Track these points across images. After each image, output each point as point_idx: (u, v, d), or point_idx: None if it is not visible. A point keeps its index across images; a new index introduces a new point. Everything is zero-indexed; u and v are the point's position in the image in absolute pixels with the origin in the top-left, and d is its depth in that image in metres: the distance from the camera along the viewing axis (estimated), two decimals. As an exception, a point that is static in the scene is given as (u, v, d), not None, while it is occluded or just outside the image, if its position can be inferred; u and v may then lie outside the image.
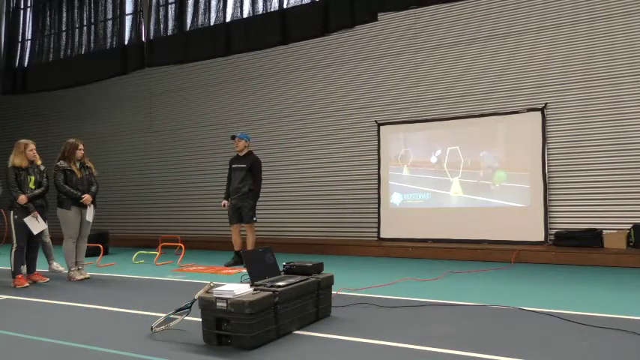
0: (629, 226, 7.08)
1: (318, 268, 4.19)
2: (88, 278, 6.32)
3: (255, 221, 7.43)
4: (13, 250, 5.91)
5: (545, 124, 7.77)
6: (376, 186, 8.95)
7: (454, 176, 8.38)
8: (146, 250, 8.80)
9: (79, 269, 6.35)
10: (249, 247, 7.23)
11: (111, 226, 10.89)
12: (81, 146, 6.35)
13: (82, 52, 12.43)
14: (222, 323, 3.32)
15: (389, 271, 6.49)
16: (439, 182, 8.47)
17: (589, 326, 3.62)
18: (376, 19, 9.16)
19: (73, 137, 6.57)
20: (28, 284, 5.90)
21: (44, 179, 6.16)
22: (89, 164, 6.50)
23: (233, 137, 7.57)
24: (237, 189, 7.27)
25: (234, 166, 7.39)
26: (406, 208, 8.70)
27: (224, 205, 7.44)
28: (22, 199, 5.84)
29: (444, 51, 8.62)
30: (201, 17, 10.87)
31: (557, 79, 7.78)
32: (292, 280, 3.79)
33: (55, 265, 7.00)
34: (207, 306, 3.36)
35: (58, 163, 6.26)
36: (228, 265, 7.23)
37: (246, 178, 7.26)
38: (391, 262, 7.45)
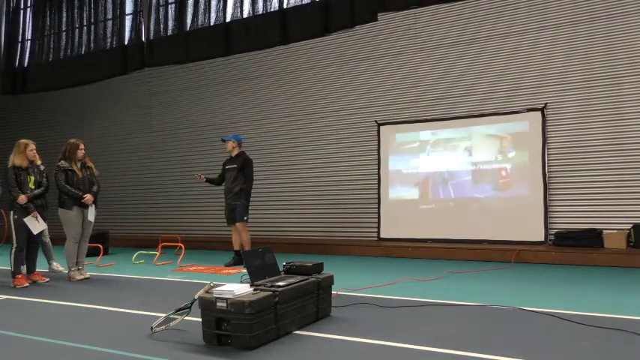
0: (629, 226, 7.08)
1: (318, 268, 4.19)
2: (87, 278, 6.32)
3: (246, 221, 7.36)
4: (13, 250, 5.91)
5: (545, 124, 7.77)
6: (376, 186, 8.95)
7: (454, 176, 8.38)
8: (146, 250, 8.79)
9: (79, 269, 6.35)
10: (246, 247, 7.24)
11: (111, 226, 10.89)
12: (82, 146, 6.35)
13: (82, 52, 12.43)
14: (222, 323, 3.32)
15: (389, 271, 6.49)
16: (439, 182, 8.47)
17: (589, 326, 3.62)
18: (376, 19, 9.16)
19: (73, 137, 6.58)
20: (28, 284, 5.90)
21: (44, 179, 6.15)
22: (90, 164, 6.50)
23: (223, 140, 7.64)
24: (230, 189, 7.33)
25: (227, 167, 7.47)
26: (406, 208, 8.70)
27: (200, 177, 7.58)
28: (22, 199, 5.84)
29: (444, 51, 8.62)
30: (201, 17, 10.87)
31: (557, 79, 7.78)
32: (292, 280, 3.79)
33: (55, 265, 7.00)
34: (207, 306, 3.36)
35: (59, 163, 6.25)
36: (228, 265, 7.24)
37: (238, 178, 7.30)
38: (391, 262, 7.45)
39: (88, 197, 6.24)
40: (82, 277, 6.29)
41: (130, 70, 11.70)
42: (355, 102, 9.30)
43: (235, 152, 7.49)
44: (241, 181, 7.30)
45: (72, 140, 6.39)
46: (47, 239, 6.98)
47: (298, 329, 3.68)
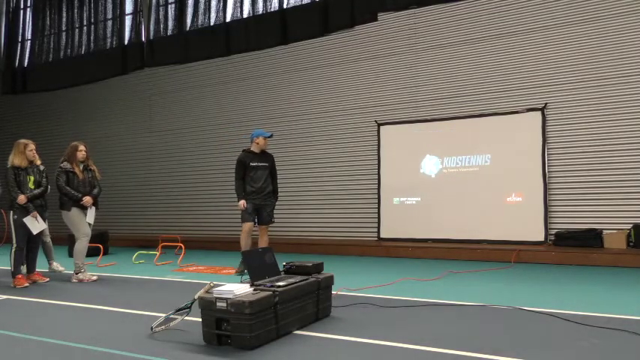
0: (629, 226, 7.08)
1: (318, 268, 4.19)
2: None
3: (274, 222, 6.99)
4: (13, 250, 5.91)
5: (545, 124, 7.77)
6: (376, 186, 8.95)
7: (454, 176, 8.38)
8: (146, 250, 8.80)
9: (82, 271, 6.30)
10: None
11: (111, 226, 10.89)
12: (81, 147, 6.33)
13: (82, 52, 12.44)
14: (222, 323, 3.31)
15: (389, 271, 6.49)
16: (439, 182, 8.47)
17: (589, 326, 3.62)
18: (376, 19, 9.16)
19: (76, 140, 6.65)
20: (28, 284, 5.90)
21: (43, 179, 6.15)
22: (93, 167, 6.49)
23: (271, 135, 7.00)
24: (263, 188, 6.70)
25: (254, 164, 6.68)
26: (406, 207, 8.70)
27: (244, 206, 6.60)
28: (22, 199, 5.84)
29: (444, 51, 8.62)
30: (201, 17, 10.87)
31: (557, 79, 7.78)
32: (292, 280, 3.79)
33: (55, 265, 6.99)
34: (207, 306, 3.36)
35: (61, 165, 6.25)
36: (242, 273, 6.37)
37: (269, 178, 6.81)
38: (391, 262, 7.45)
39: (87, 199, 6.22)
40: (86, 278, 6.25)
41: (130, 70, 11.71)
42: (355, 102, 9.30)
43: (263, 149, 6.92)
44: (270, 181, 6.83)
45: (74, 143, 6.41)
46: (48, 239, 6.98)
47: (298, 329, 3.68)
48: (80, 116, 12.52)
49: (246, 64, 10.44)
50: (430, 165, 8.57)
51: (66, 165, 6.25)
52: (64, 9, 12.81)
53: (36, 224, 5.97)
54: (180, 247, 8.36)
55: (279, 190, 6.97)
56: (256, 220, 6.76)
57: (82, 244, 6.23)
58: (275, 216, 6.90)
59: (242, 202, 6.61)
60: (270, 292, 3.46)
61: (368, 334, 3.54)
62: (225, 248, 9.42)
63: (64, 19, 12.81)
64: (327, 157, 9.53)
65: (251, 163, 6.69)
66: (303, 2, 9.82)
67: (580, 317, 3.87)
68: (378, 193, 8.92)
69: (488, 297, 4.74)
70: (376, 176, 8.97)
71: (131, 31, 11.85)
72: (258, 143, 6.79)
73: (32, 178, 6.03)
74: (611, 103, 7.43)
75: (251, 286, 3.59)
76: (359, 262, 7.54)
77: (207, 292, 3.48)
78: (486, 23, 8.32)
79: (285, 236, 9.63)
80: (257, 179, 6.67)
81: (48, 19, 13.07)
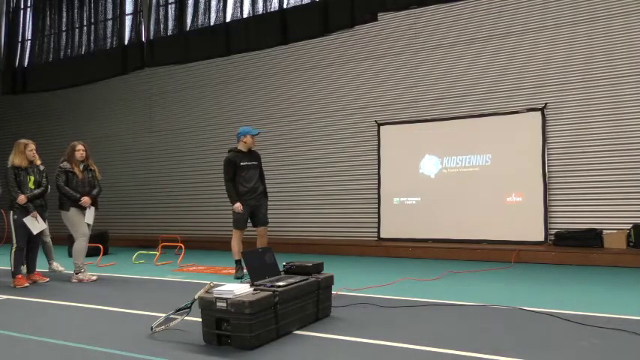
0: (629, 226, 7.08)
1: (318, 268, 4.19)
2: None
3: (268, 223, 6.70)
4: (13, 250, 5.91)
5: (545, 124, 7.77)
6: (376, 186, 8.95)
7: (454, 176, 8.38)
8: (146, 250, 8.80)
9: (82, 271, 6.30)
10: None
11: (111, 226, 10.89)
12: (79, 147, 6.31)
13: (82, 52, 12.44)
14: (222, 323, 3.32)
15: (389, 271, 6.49)
16: (439, 182, 8.47)
17: (589, 326, 3.62)
18: (376, 19, 9.16)
19: (76, 139, 6.63)
20: (28, 284, 5.90)
21: (44, 179, 6.15)
22: (93, 167, 6.48)
23: (258, 133, 6.63)
24: (255, 189, 6.39)
25: (244, 163, 6.34)
26: (406, 207, 8.70)
27: (241, 209, 6.25)
28: (22, 199, 5.84)
29: (444, 51, 8.61)
30: (201, 17, 10.87)
31: (557, 79, 7.78)
32: (292, 280, 3.79)
33: (55, 265, 6.99)
34: (207, 306, 3.36)
35: (61, 165, 6.25)
36: (241, 277, 6.19)
37: (259, 177, 6.52)
38: (391, 262, 7.45)
39: (85, 199, 6.21)
40: (84, 277, 6.25)
41: (130, 70, 11.72)
42: (355, 102, 9.30)
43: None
44: (260, 180, 6.53)
45: (72, 142, 6.41)
46: (48, 239, 6.98)
47: (298, 329, 3.68)
48: (80, 116, 12.52)
49: (246, 64, 10.45)
50: (430, 165, 8.57)
51: (65, 165, 6.25)
52: (64, 9, 12.81)
53: (36, 224, 5.97)
54: (180, 247, 8.36)
55: (268, 191, 6.64)
56: (250, 223, 6.47)
57: (80, 245, 6.23)
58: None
59: (238, 205, 6.23)
60: (270, 292, 3.46)
61: (368, 334, 3.54)
62: (225, 248, 9.38)
63: (64, 19, 12.81)
64: (327, 157, 9.53)
65: (241, 163, 6.34)
66: (303, 2, 9.82)
67: (580, 317, 3.88)
68: (378, 193, 8.92)
69: (488, 297, 4.74)
70: (376, 176, 8.97)
71: (131, 31, 11.86)
72: (245, 142, 6.41)
73: (32, 178, 6.03)
74: (611, 103, 7.43)
75: (251, 286, 3.59)
76: (359, 262, 7.54)
77: (207, 292, 3.48)
78: (486, 23, 8.31)
79: (285, 236, 9.63)
80: (249, 179, 6.34)
81: (48, 19, 13.06)
